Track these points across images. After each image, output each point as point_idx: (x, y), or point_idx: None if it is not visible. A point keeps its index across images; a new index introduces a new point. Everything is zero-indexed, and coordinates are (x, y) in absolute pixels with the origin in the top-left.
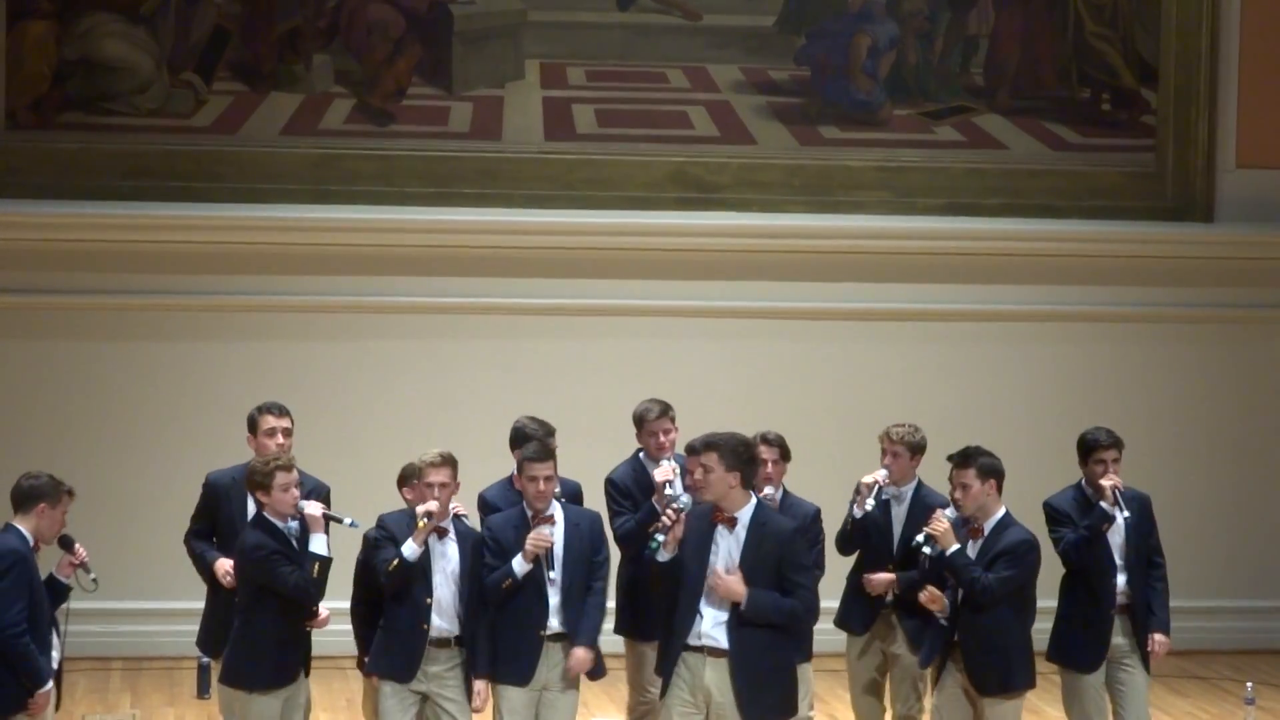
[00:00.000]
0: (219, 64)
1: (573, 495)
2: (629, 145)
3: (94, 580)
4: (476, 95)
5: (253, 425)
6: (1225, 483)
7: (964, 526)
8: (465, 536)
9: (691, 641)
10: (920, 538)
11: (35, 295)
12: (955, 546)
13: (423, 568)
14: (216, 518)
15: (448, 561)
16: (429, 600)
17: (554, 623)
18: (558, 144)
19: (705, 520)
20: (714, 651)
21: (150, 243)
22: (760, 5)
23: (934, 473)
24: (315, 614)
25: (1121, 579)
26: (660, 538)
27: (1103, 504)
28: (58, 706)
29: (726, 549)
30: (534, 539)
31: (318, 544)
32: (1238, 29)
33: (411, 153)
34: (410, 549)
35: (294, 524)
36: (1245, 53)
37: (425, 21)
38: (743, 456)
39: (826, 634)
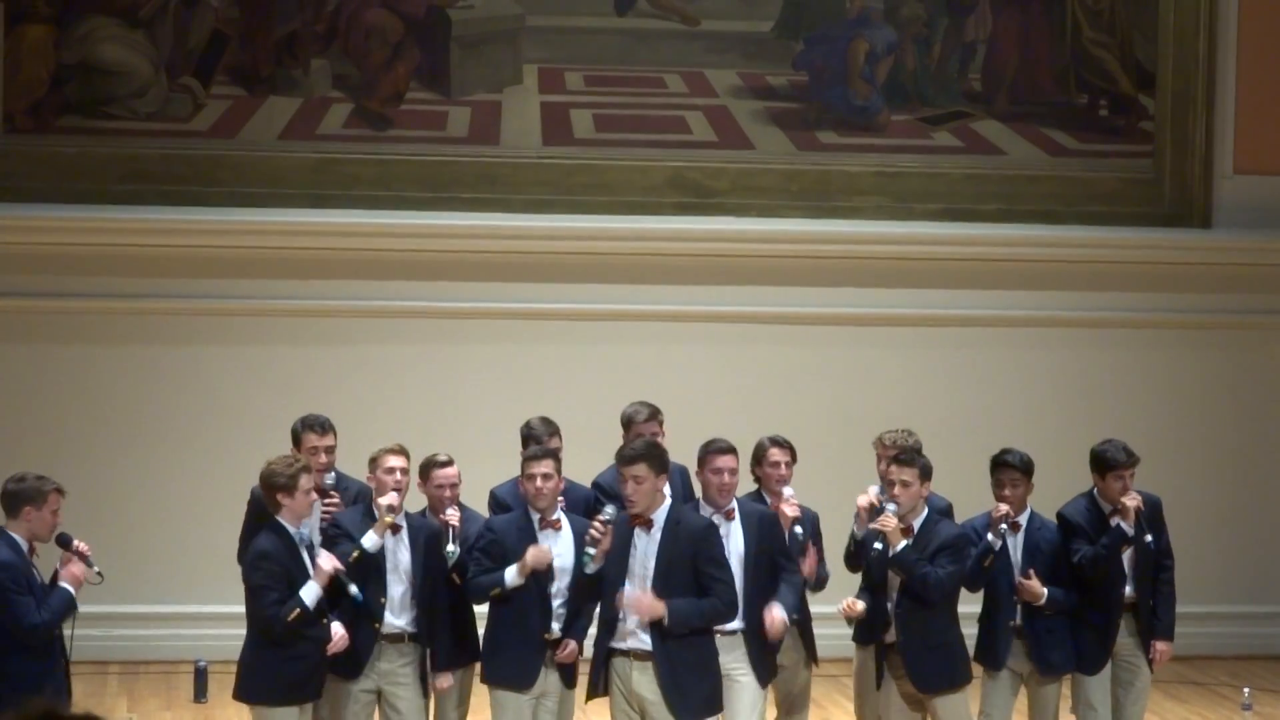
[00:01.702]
0: (217, 68)
1: (583, 502)
2: (627, 150)
3: (98, 574)
4: (475, 100)
5: (295, 440)
6: (1223, 488)
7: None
8: (419, 530)
9: (618, 645)
10: (878, 545)
11: (33, 299)
12: (904, 543)
13: (376, 564)
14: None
15: (401, 558)
16: (383, 599)
17: (555, 628)
18: (556, 149)
19: (622, 525)
20: (639, 655)
21: (148, 247)
22: (758, 11)
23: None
24: (329, 638)
25: (1129, 588)
26: (591, 551)
27: (1122, 523)
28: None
29: (644, 550)
30: (534, 555)
31: (308, 591)
32: (1235, 35)
33: (409, 157)
34: (371, 540)
35: (305, 530)
36: (1243, 59)
37: (423, 26)
38: (663, 460)
39: (825, 639)
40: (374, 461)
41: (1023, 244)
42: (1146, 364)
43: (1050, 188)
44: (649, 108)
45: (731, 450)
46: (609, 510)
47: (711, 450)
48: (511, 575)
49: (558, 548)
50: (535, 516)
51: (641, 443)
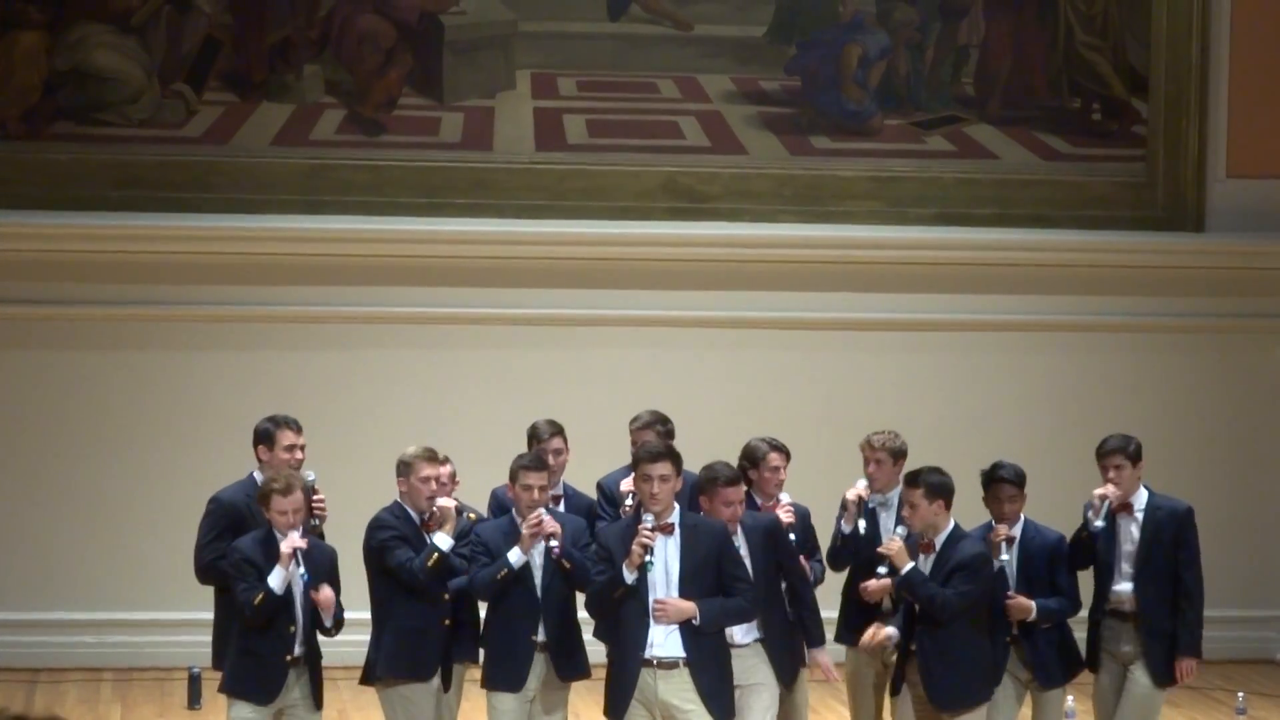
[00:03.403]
0: (210, 74)
1: (585, 510)
2: (620, 155)
3: None
4: (467, 105)
5: (268, 438)
6: (1217, 492)
7: (915, 543)
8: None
9: (644, 655)
10: (882, 569)
11: (26, 306)
12: (910, 565)
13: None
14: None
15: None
16: (446, 596)
17: (541, 628)
18: (549, 154)
19: (630, 532)
20: (664, 663)
21: (141, 253)
22: (751, 15)
23: None
24: (291, 649)
25: (1128, 586)
26: (650, 559)
27: (1088, 514)
28: None
29: (664, 556)
30: (530, 525)
31: (274, 576)
32: (1228, 39)
33: (403, 163)
34: (445, 540)
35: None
36: (1235, 62)
37: (416, 32)
38: (681, 462)
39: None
40: (406, 466)
41: (1016, 248)
42: (1140, 368)
43: (1043, 192)
44: (642, 113)
45: (740, 479)
46: (648, 518)
47: (723, 482)
48: (515, 555)
49: (543, 547)
50: (519, 521)
51: (662, 442)
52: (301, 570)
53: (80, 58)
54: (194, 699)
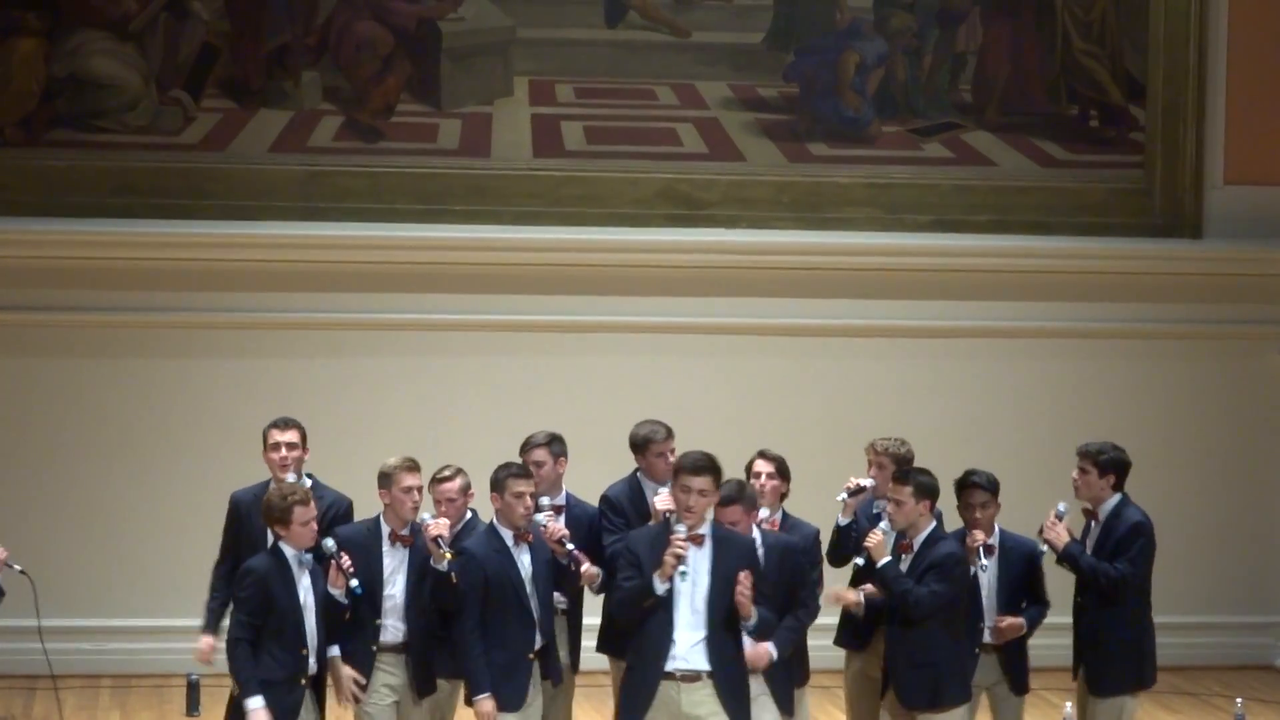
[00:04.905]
0: (208, 81)
1: (587, 521)
2: (618, 162)
3: (22, 571)
4: (465, 112)
5: (263, 440)
6: (1215, 498)
7: (896, 543)
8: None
9: (665, 667)
10: (859, 560)
11: (24, 313)
12: (887, 559)
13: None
14: (239, 537)
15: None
16: (379, 620)
17: (537, 638)
18: (546, 161)
19: (661, 541)
20: (687, 675)
21: (139, 260)
22: (749, 22)
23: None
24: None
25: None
26: (684, 569)
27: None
28: None
29: (694, 566)
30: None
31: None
32: (1225, 45)
33: (400, 169)
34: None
35: (309, 555)
36: (1233, 69)
37: (414, 38)
38: (721, 475)
39: (821, 650)
40: (387, 477)
41: (1014, 255)
42: (1137, 374)
43: (1041, 199)
44: (639, 120)
45: (736, 499)
46: (681, 528)
47: (720, 503)
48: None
49: (529, 558)
50: (508, 533)
51: (706, 456)
52: (355, 583)
53: (78, 64)
54: (192, 706)
